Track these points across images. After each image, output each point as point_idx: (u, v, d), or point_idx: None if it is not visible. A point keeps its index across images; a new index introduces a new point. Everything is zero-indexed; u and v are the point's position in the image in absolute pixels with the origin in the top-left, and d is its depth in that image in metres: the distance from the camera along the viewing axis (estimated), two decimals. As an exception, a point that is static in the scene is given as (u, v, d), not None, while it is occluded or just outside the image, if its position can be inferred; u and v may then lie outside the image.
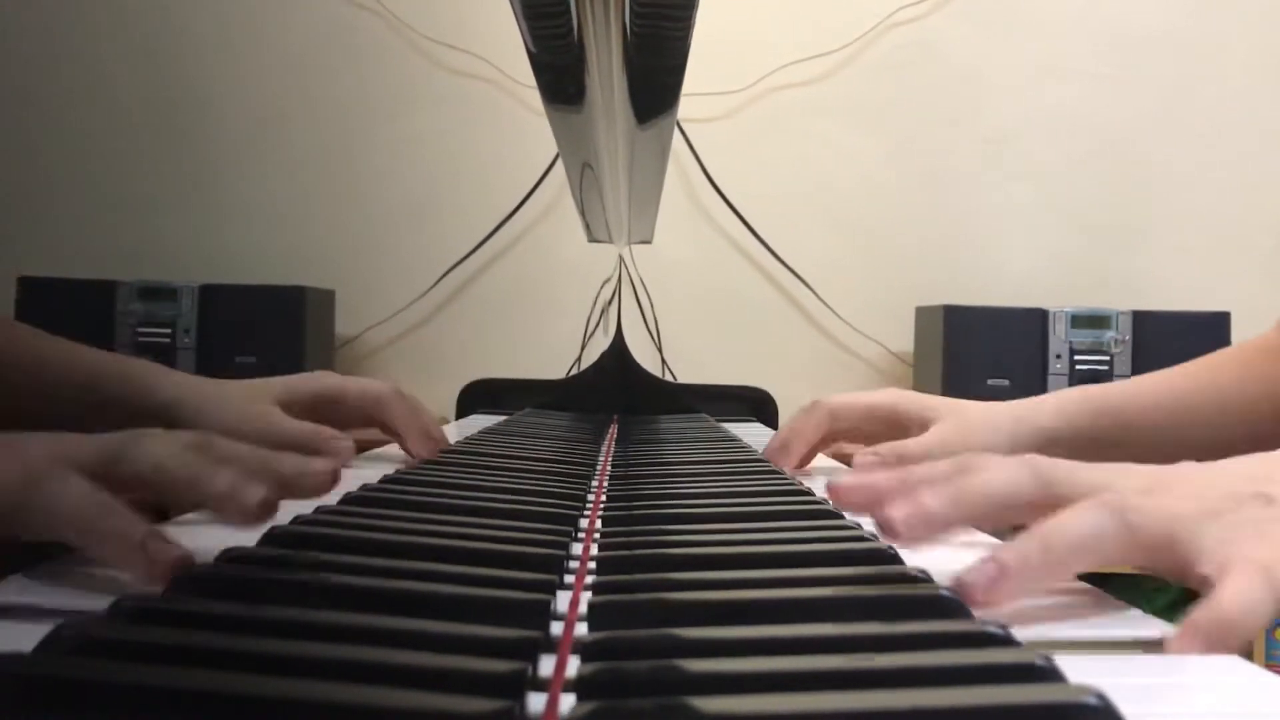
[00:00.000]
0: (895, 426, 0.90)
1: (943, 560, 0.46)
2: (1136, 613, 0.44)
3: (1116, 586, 0.49)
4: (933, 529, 0.46)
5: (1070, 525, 0.43)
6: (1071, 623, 0.42)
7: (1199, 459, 0.50)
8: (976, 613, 0.39)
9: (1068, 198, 2.35)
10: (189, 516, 0.59)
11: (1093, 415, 0.88)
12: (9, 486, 0.45)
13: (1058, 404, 0.89)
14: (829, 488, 0.51)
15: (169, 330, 2.03)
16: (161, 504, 0.49)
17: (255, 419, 0.85)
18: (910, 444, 0.85)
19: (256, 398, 0.88)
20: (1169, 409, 0.88)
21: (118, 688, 0.28)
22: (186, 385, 0.87)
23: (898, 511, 0.46)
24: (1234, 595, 0.40)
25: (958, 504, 0.47)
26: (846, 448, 0.97)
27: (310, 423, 0.87)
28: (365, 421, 0.93)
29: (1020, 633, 0.35)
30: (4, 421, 0.52)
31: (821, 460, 0.98)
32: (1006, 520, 0.48)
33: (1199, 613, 0.39)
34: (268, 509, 0.48)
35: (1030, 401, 0.90)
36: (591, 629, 0.37)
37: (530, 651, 0.33)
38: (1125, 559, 0.44)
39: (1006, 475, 0.48)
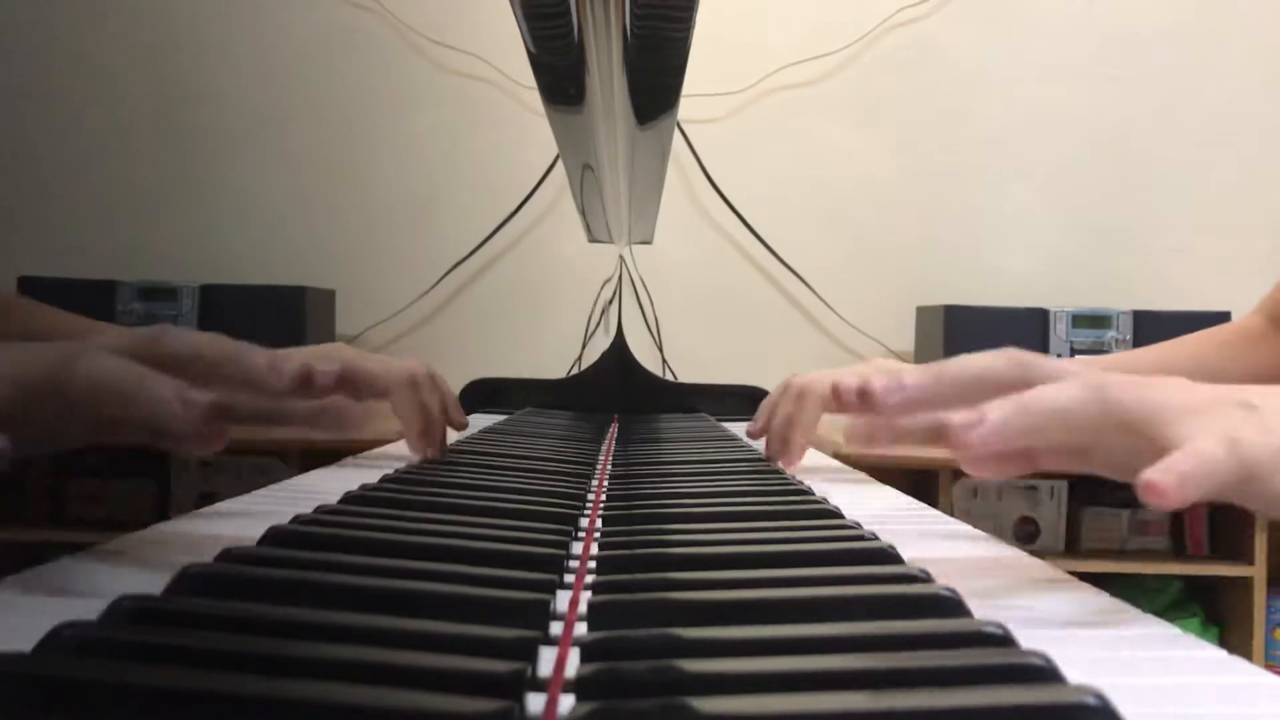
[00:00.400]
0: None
1: (944, 560, 0.46)
2: (1136, 612, 0.43)
3: (1117, 586, 0.49)
4: (910, 400, 0.47)
5: (1049, 392, 0.44)
6: (1071, 623, 0.42)
7: None
8: (977, 613, 0.39)
9: (1067, 198, 2.35)
10: (189, 515, 0.59)
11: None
12: (55, 362, 0.45)
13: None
14: (861, 391, 0.51)
15: (169, 330, 2.03)
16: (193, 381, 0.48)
17: None
18: (883, 370, 0.88)
19: (251, 347, 0.89)
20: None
21: (118, 688, 0.28)
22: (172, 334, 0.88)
23: (880, 381, 0.47)
24: (1194, 449, 0.40)
25: (938, 380, 0.48)
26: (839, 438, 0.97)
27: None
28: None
29: (1019, 632, 0.35)
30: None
31: (819, 459, 0.98)
32: (987, 399, 0.48)
33: (1164, 460, 0.39)
34: (305, 377, 0.48)
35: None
36: (591, 629, 0.37)
37: (530, 651, 0.33)
38: (1099, 433, 0.45)
39: (985, 359, 0.49)
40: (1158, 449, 0.42)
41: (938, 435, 0.48)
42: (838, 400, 0.51)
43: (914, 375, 0.48)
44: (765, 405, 0.94)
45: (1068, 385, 0.45)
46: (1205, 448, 0.40)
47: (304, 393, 0.49)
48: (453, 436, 0.95)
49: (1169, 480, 0.39)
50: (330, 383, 0.51)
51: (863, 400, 0.47)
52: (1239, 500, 0.42)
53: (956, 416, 0.43)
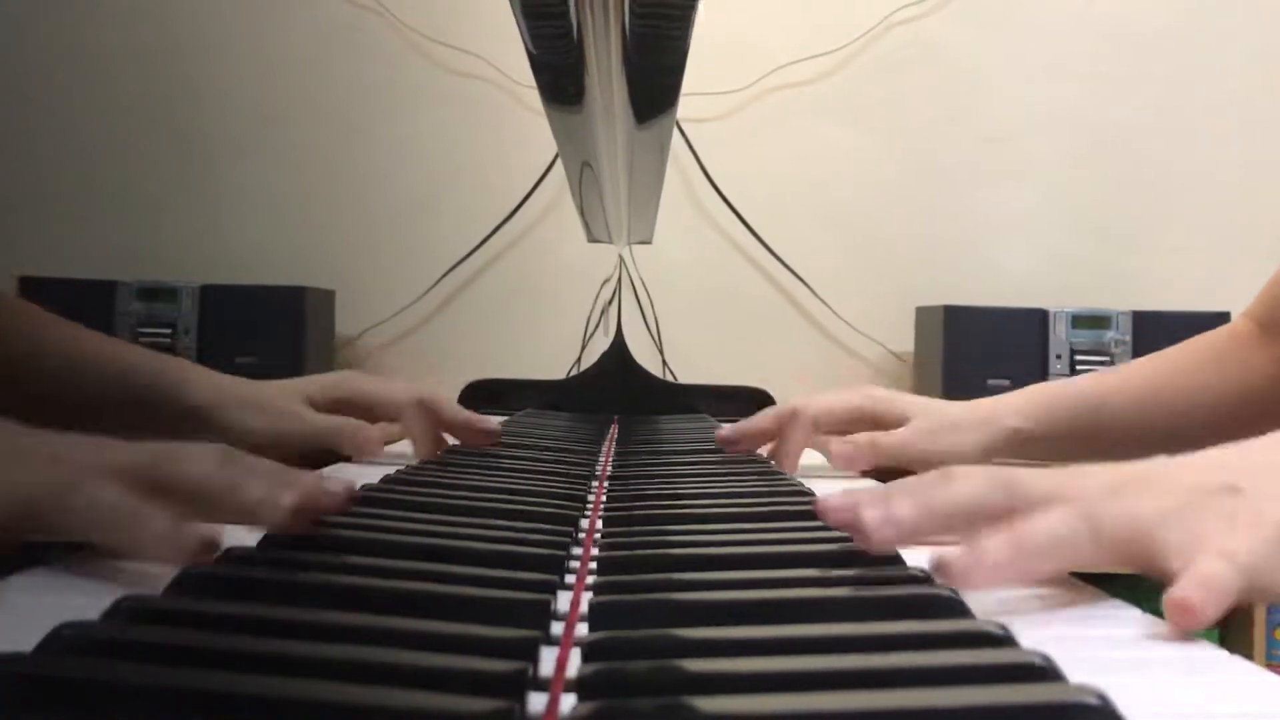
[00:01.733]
0: (874, 426, 0.93)
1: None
2: (1136, 612, 0.44)
3: (1116, 586, 0.49)
4: (900, 536, 0.48)
5: (1040, 527, 0.45)
6: (1071, 622, 0.42)
7: (1172, 447, 0.51)
8: (977, 612, 0.39)
9: (1067, 198, 2.35)
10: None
11: (1065, 413, 0.90)
12: (50, 488, 0.46)
13: (1030, 402, 0.92)
14: (817, 507, 0.52)
15: (169, 330, 2.03)
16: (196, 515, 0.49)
17: (290, 419, 0.89)
18: (886, 436, 0.89)
19: (288, 399, 0.92)
20: (1142, 400, 0.91)
21: (118, 688, 0.28)
22: (219, 388, 0.90)
23: (870, 517, 0.47)
24: (1200, 574, 0.40)
25: (927, 512, 0.48)
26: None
27: (338, 416, 0.91)
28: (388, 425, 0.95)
29: (1020, 632, 0.35)
30: (38, 410, 0.52)
31: (819, 458, 0.98)
32: (974, 529, 0.49)
33: (1172, 589, 0.40)
34: (300, 514, 0.49)
35: (1005, 399, 0.92)
36: (592, 629, 0.37)
37: (531, 651, 0.33)
38: (1095, 559, 0.46)
39: (973, 486, 0.49)
40: (1154, 566, 0.44)
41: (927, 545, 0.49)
42: (823, 517, 0.52)
43: (904, 508, 0.48)
44: (750, 423, 0.95)
45: (1058, 516, 0.46)
46: (1209, 568, 0.41)
47: (304, 518, 0.49)
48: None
49: (1193, 613, 0.40)
50: (335, 505, 0.52)
51: (851, 530, 0.48)
52: (1253, 602, 0.43)
53: (952, 556, 0.44)
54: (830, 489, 0.70)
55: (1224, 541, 0.42)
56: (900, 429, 0.91)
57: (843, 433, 0.94)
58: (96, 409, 0.86)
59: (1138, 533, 0.44)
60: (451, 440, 0.94)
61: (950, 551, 0.44)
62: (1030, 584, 0.47)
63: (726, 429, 0.93)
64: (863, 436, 0.90)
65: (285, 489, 0.49)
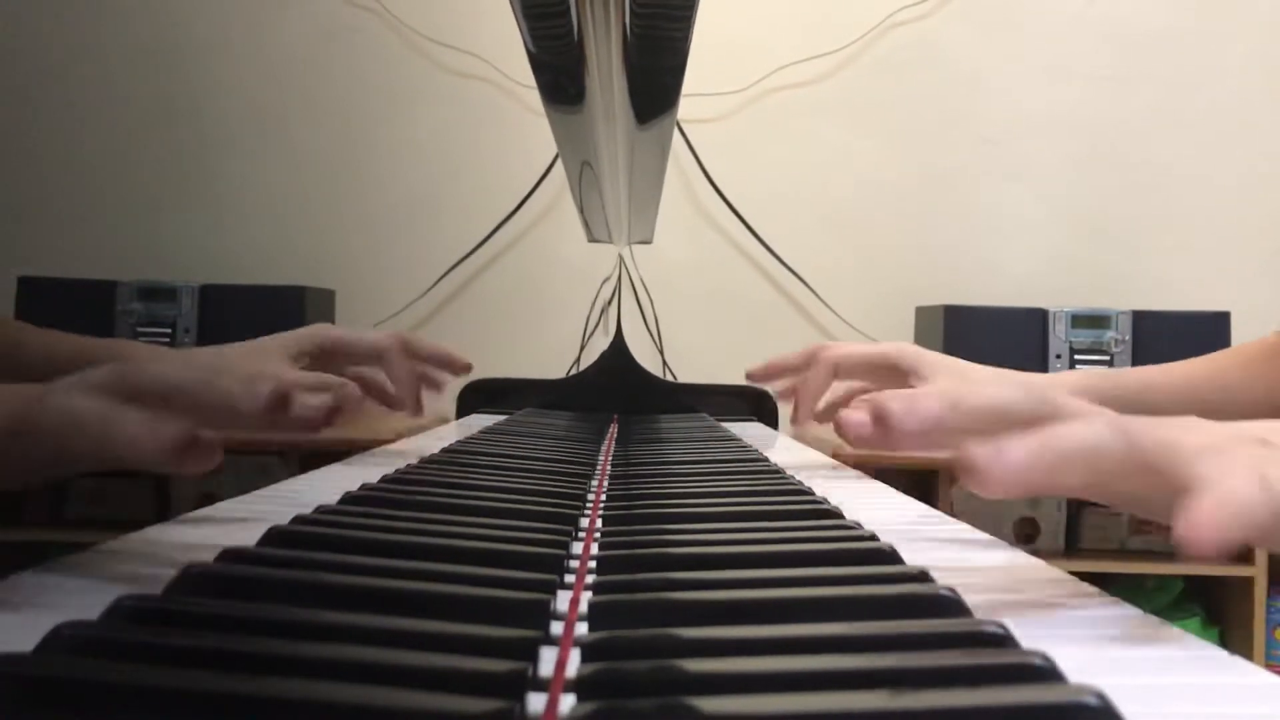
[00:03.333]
0: (895, 379, 0.90)
1: (943, 560, 0.46)
2: (1136, 612, 0.43)
3: (1116, 586, 0.49)
4: (925, 425, 0.46)
5: (1071, 430, 0.43)
6: (1071, 623, 0.42)
7: None
8: (976, 612, 0.39)
9: (1068, 198, 2.35)
10: (190, 515, 0.59)
11: (1112, 398, 0.88)
12: (25, 400, 0.45)
13: (1076, 382, 0.89)
14: (836, 426, 0.50)
15: (169, 330, 2.03)
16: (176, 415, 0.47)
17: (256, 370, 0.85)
18: (899, 394, 0.86)
19: (257, 353, 0.88)
20: (1183, 399, 0.89)
21: (118, 688, 0.28)
22: (172, 362, 0.86)
23: (895, 404, 0.46)
24: (1227, 488, 0.38)
25: (954, 408, 0.46)
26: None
27: (317, 373, 0.86)
28: (361, 381, 0.92)
29: (1019, 632, 0.35)
30: None
31: (819, 457, 0.98)
32: (1002, 431, 0.48)
33: (1194, 500, 0.38)
34: (282, 398, 0.47)
35: (1045, 376, 0.90)
36: (592, 629, 0.37)
37: (530, 651, 0.33)
38: (1120, 477, 0.43)
39: (1004, 391, 0.47)
40: (1183, 490, 0.41)
41: (949, 455, 0.47)
42: (842, 433, 0.50)
43: (931, 401, 0.46)
44: (777, 356, 0.94)
45: (1090, 423, 0.43)
46: (1238, 486, 0.38)
47: (282, 411, 0.48)
48: (453, 430, 0.95)
49: (1208, 524, 0.37)
50: (313, 413, 0.51)
51: (876, 421, 0.46)
52: (1271, 544, 0.40)
53: (974, 450, 0.42)
54: (831, 489, 0.70)
55: (1258, 467, 0.40)
56: (922, 386, 0.86)
57: (862, 383, 0.92)
58: None
59: (1171, 455, 0.42)
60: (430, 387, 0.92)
61: (972, 448, 0.42)
62: (1054, 492, 0.44)
63: (757, 365, 0.92)
64: (873, 396, 0.87)
65: (263, 380, 0.48)
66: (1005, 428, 0.45)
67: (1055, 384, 0.89)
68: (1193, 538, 0.37)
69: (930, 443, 0.47)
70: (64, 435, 0.44)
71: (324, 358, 0.90)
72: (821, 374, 0.90)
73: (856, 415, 0.49)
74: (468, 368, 0.89)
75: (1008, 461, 0.41)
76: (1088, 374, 0.91)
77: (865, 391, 0.93)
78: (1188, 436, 0.43)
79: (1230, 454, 0.41)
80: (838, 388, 0.94)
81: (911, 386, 0.87)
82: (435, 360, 0.90)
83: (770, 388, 0.94)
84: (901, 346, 0.93)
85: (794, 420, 0.88)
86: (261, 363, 0.87)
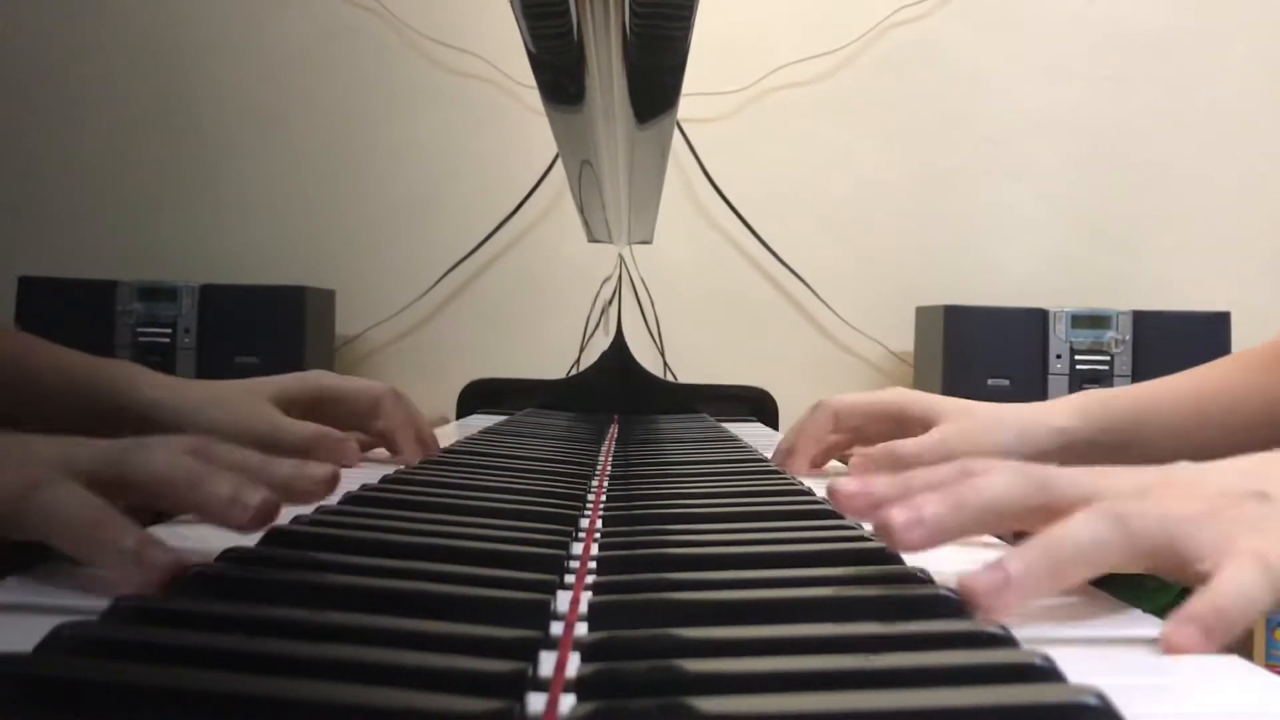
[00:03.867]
0: (900, 427, 0.89)
1: (943, 560, 0.46)
2: (1136, 613, 0.43)
3: (1116, 586, 0.49)
4: (932, 536, 0.46)
5: (1072, 534, 0.43)
6: (1071, 623, 0.42)
7: (1210, 458, 0.49)
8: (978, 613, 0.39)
9: (1068, 198, 2.35)
10: (189, 516, 0.59)
11: (1113, 418, 0.87)
12: (7, 490, 0.44)
13: (1074, 405, 0.88)
14: (829, 491, 0.51)
15: (169, 330, 2.03)
16: (161, 508, 0.48)
17: (257, 420, 0.83)
18: (905, 444, 0.85)
19: (255, 399, 0.87)
20: (1181, 414, 0.88)
21: (118, 688, 0.28)
22: (173, 387, 0.86)
23: (897, 518, 0.45)
24: (1230, 583, 0.40)
25: (957, 510, 0.46)
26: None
27: (314, 424, 0.86)
28: (357, 425, 0.92)
29: (1020, 633, 0.35)
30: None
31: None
32: (1004, 527, 0.48)
33: (1195, 601, 0.39)
34: (268, 512, 0.47)
35: (1045, 404, 0.89)
36: (592, 629, 0.37)
37: (530, 651, 0.33)
38: (1127, 564, 0.44)
39: (1005, 481, 0.47)
40: (1186, 576, 0.42)
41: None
42: (834, 501, 0.50)
43: (932, 506, 0.46)
44: (791, 432, 0.94)
45: (1089, 520, 0.44)
46: (1240, 579, 0.40)
47: (266, 522, 0.48)
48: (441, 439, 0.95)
49: (1216, 621, 0.39)
50: (317, 492, 0.51)
51: (878, 530, 0.46)
52: (1273, 610, 0.42)
53: (979, 578, 0.42)
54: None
55: (1254, 542, 0.41)
56: (927, 434, 0.85)
57: (865, 431, 0.92)
58: (55, 418, 0.83)
59: (1168, 535, 0.43)
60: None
61: (974, 574, 0.42)
62: (1059, 594, 0.45)
63: (780, 449, 0.91)
64: (879, 447, 0.84)
65: (252, 486, 0.47)
66: (1008, 523, 0.46)
67: (1053, 410, 0.89)
68: (1203, 637, 0.39)
69: (933, 545, 0.47)
70: (48, 531, 0.45)
71: (318, 407, 0.89)
72: (821, 422, 0.90)
73: (856, 498, 0.49)
74: (433, 449, 0.90)
75: (1015, 586, 0.42)
76: (1085, 397, 0.90)
77: (865, 441, 0.92)
78: (1181, 507, 0.43)
79: (1223, 521, 0.42)
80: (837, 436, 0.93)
81: (917, 433, 0.86)
82: (419, 428, 0.90)
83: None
84: (901, 394, 0.92)
85: (788, 467, 0.87)
86: (252, 402, 0.86)
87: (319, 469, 0.52)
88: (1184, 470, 0.48)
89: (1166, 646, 0.39)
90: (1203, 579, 0.41)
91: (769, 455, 0.91)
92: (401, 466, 0.80)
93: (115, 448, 0.49)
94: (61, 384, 0.85)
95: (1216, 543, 0.42)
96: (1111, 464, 0.49)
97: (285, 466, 0.52)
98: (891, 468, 0.82)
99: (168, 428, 0.80)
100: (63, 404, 0.84)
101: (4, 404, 0.85)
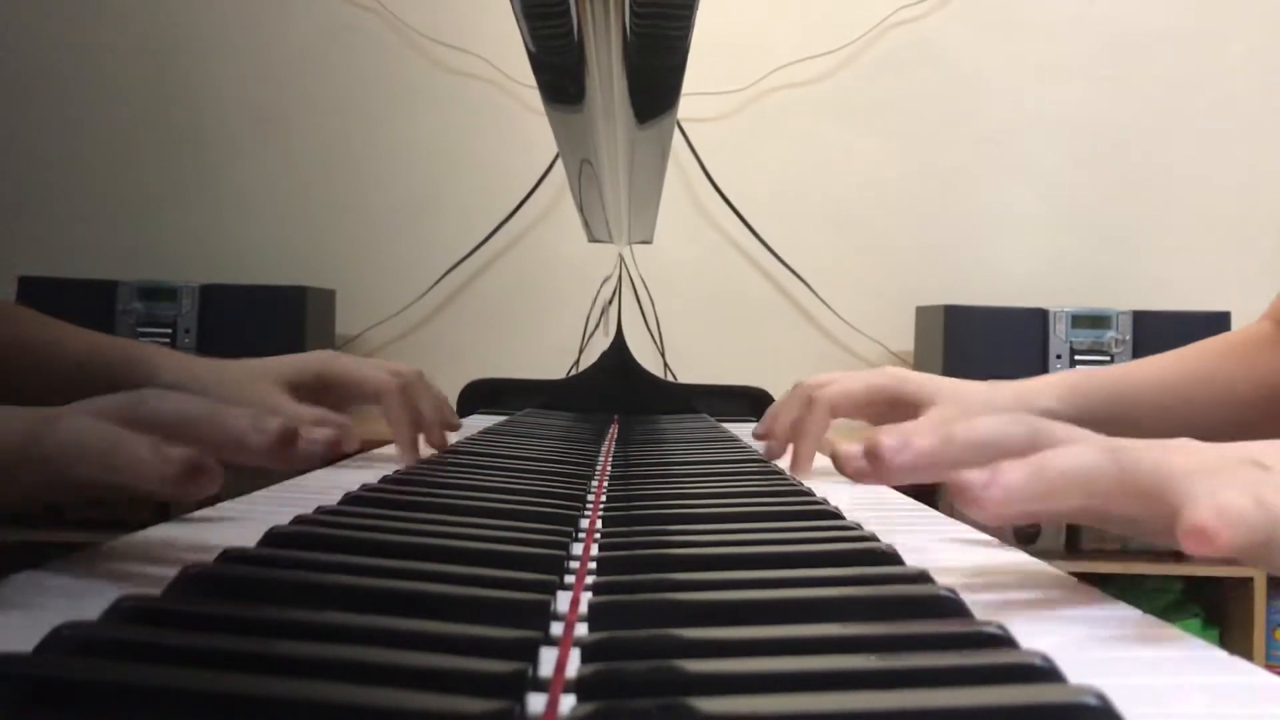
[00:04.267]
0: (895, 409, 0.89)
1: (942, 560, 0.46)
2: (1136, 612, 0.43)
3: (1116, 586, 0.49)
4: (919, 462, 0.46)
5: (1064, 455, 0.43)
6: (1071, 622, 0.42)
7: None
8: (976, 613, 0.39)
9: (1067, 198, 2.35)
10: (190, 516, 0.59)
11: (1097, 397, 0.87)
12: (25, 424, 0.45)
13: (1061, 384, 0.88)
14: (834, 460, 0.51)
15: (169, 330, 2.03)
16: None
17: (257, 402, 0.83)
18: (892, 428, 0.85)
19: (259, 379, 0.87)
20: (1168, 392, 0.88)
21: (118, 688, 0.28)
22: (183, 367, 0.86)
23: (888, 440, 0.46)
24: (1223, 500, 0.38)
25: (948, 442, 0.47)
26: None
27: (313, 406, 0.85)
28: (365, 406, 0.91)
29: (1018, 632, 0.35)
30: (13, 402, 0.52)
31: (821, 460, 0.98)
32: (994, 461, 0.48)
33: (1180, 519, 0.38)
34: (289, 436, 0.48)
35: (1033, 382, 0.90)
36: (592, 629, 0.37)
37: (530, 652, 0.33)
38: (1114, 500, 0.43)
39: (996, 421, 0.48)
40: (1177, 510, 0.41)
41: (943, 483, 0.47)
42: (840, 467, 0.50)
43: (922, 437, 0.46)
44: (772, 409, 0.94)
45: (1083, 448, 0.44)
46: (1234, 500, 0.39)
47: (288, 448, 0.48)
48: (450, 437, 0.95)
49: (1209, 525, 0.37)
50: (317, 449, 0.51)
51: (869, 459, 0.46)
52: (1261, 563, 0.41)
53: (970, 474, 0.42)
54: (830, 489, 0.70)
55: (1253, 487, 0.40)
56: (923, 416, 0.85)
57: (862, 417, 0.92)
58: (71, 398, 0.84)
59: (1163, 482, 0.42)
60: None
61: (967, 473, 0.42)
62: (1048, 519, 0.44)
63: (759, 428, 0.91)
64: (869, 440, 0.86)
65: (270, 417, 0.48)
66: (999, 458, 0.46)
67: (1041, 387, 0.89)
68: (1198, 550, 0.37)
69: (925, 477, 0.47)
70: (70, 460, 0.44)
71: (322, 389, 0.89)
72: (819, 418, 0.89)
73: (852, 449, 0.49)
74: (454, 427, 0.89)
75: (1002, 485, 0.42)
76: (1072, 376, 0.90)
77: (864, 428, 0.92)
78: (1180, 458, 0.43)
79: (1223, 475, 0.41)
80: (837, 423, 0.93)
81: (914, 415, 0.86)
82: (434, 411, 0.89)
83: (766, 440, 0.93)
84: (893, 374, 0.91)
85: (794, 469, 0.87)
86: (259, 386, 0.86)
87: (275, 422, 0.51)
88: (1185, 440, 0.48)
89: (1187, 536, 0.37)
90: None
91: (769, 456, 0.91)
92: (402, 466, 0.80)
93: (129, 394, 0.49)
94: (71, 361, 0.86)
95: (1210, 486, 0.41)
96: None
97: (235, 416, 0.52)
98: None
99: None
100: (70, 383, 0.85)
101: (25, 383, 0.85)
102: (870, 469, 0.47)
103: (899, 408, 0.89)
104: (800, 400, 0.90)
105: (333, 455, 0.53)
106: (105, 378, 0.85)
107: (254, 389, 0.85)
